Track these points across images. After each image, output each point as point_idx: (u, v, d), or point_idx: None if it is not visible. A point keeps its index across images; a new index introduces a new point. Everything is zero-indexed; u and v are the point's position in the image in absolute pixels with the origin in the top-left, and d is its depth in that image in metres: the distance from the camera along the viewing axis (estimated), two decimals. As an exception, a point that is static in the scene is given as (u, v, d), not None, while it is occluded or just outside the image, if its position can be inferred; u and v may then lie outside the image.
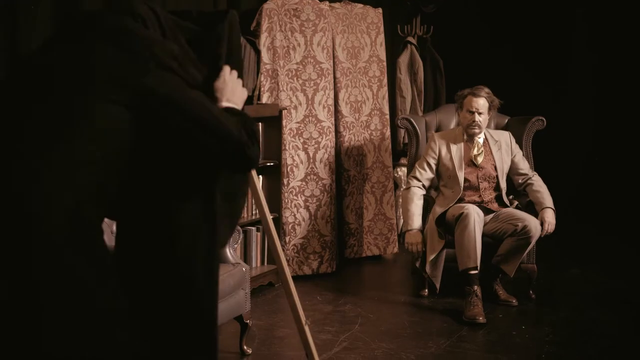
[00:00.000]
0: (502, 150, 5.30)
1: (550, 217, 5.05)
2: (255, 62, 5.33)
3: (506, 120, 5.70)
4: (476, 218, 4.88)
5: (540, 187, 5.23)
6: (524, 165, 5.35)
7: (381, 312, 5.02)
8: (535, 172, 5.35)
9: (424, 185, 5.30)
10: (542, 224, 5.00)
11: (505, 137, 5.36)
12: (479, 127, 5.21)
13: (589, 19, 7.88)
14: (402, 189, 5.35)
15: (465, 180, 5.20)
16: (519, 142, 5.44)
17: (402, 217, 5.32)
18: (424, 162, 5.33)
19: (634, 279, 5.75)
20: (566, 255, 6.50)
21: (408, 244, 5.16)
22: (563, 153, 7.81)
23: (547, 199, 5.15)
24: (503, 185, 5.26)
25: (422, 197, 5.27)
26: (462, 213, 4.91)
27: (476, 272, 4.87)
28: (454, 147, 5.26)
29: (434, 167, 5.31)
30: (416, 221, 5.18)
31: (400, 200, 5.34)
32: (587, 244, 6.99)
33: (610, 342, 4.44)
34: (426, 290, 5.35)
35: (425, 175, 5.30)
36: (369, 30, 6.28)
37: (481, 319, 4.72)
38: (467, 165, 5.23)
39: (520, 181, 5.32)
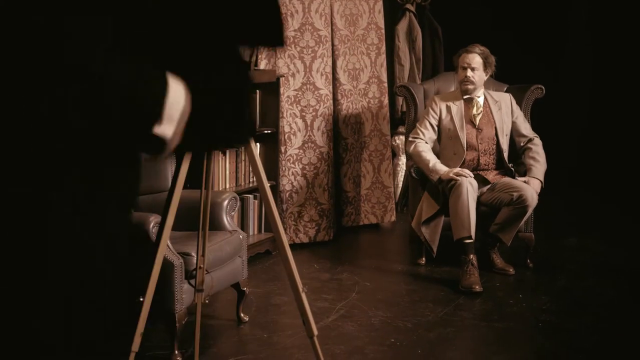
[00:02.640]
0: (502, 110, 5.24)
1: (535, 186, 5.01)
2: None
3: (505, 88, 5.66)
4: (469, 187, 4.86)
5: (536, 153, 5.18)
6: (526, 127, 5.31)
7: (378, 280, 5.03)
8: (537, 135, 5.30)
9: (426, 143, 5.23)
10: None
11: (506, 98, 5.32)
12: (472, 82, 5.16)
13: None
14: (410, 148, 5.22)
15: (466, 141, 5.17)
16: (517, 110, 5.40)
17: (424, 172, 5.17)
18: (425, 121, 5.25)
19: (631, 248, 5.76)
20: (564, 224, 6.50)
21: (457, 175, 4.90)
22: (560, 122, 7.79)
23: (539, 169, 5.11)
24: (504, 147, 5.20)
25: (430, 149, 5.19)
26: (455, 182, 4.89)
27: (471, 241, 4.86)
28: (454, 108, 5.21)
29: (435, 127, 5.24)
30: (442, 168, 5.03)
31: (413, 157, 5.22)
32: (584, 213, 6.99)
33: (606, 311, 4.45)
34: (423, 258, 5.36)
35: (428, 134, 5.23)
36: (368, -4, 6.22)
37: (477, 288, 4.72)
38: (467, 125, 5.19)
39: (521, 144, 5.27)
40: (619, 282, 5.00)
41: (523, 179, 5.04)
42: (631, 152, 7.59)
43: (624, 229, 6.38)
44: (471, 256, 4.85)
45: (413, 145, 5.20)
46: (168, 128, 1.76)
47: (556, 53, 7.99)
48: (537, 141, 5.26)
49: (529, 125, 5.35)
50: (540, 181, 5.07)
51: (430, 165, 5.06)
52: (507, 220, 4.99)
